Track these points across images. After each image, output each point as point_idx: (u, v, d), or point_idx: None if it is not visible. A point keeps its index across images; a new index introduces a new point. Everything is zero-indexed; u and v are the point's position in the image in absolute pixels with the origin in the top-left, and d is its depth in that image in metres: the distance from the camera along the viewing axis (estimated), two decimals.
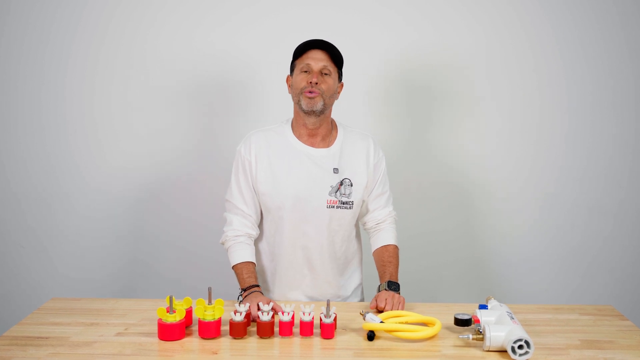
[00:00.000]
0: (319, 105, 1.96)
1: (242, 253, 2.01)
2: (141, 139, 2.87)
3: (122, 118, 2.86)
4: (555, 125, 2.85)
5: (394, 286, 1.97)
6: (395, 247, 2.11)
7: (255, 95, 2.83)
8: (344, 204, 2.03)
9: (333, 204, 2.02)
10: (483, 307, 1.75)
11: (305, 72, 1.98)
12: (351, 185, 2.04)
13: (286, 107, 2.22)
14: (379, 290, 1.98)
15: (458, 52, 2.80)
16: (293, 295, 2.09)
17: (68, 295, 2.59)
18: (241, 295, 1.94)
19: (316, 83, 1.95)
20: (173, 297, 1.69)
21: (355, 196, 2.05)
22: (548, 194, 2.88)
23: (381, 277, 2.05)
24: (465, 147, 2.87)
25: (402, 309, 1.87)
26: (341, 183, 2.02)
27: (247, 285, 1.94)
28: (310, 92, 1.95)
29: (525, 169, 2.87)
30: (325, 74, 1.99)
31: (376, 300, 1.89)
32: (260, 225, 2.12)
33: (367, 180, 2.08)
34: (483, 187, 2.89)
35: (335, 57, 2.00)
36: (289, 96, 2.09)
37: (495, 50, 2.81)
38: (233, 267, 2.02)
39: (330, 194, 2.02)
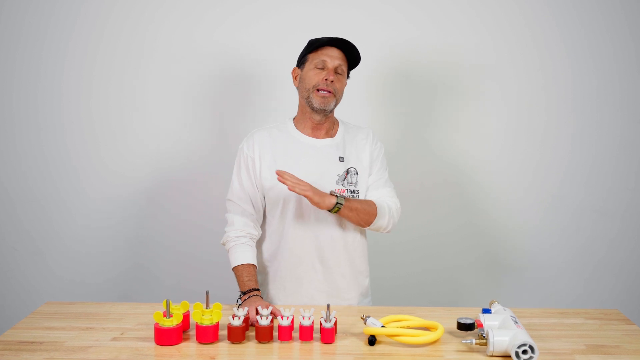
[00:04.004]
0: (331, 105, 1.99)
1: (244, 255, 1.99)
2: (140, 141, 2.86)
3: (120, 119, 2.84)
4: (560, 125, 2.83)
5: (337, 197, 1.90)
6: (373, 204, 2.00)
7: (259, 94, 2.82)
8: (351, 192, 2.03)
9: (341, 193, 2.02)
10: (486, 311, 1.75)
11: (320, 68, 1.98)
12: (357, 174, 2.05)
13: (291, 106, 2.20)
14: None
15: (461, 50, 2.79)
16: (305, 291, 2.05)
17: (63, 300, 2.55)
18: (240, 298, 1.92)
19: (332, 81, 1.96)
20: (170, 301, 1.68)
21: (361, 185, 2.06)
22: (553, 196, 2.86)
23: None
24: (468, 147, 2.86)
25: (303, 192, 1.82)
26: (347, 172, 2.03)
27: (246, 288, 1.92)
28: (324, 90, 1.96)
29: (530, 170, 2.86)
30: (339, 74, 2.00)
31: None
32: (264, 225, 2.09)
33: (370, 168, 2.10)
34: (487, 188, 2.87)
35: (352, 58, 2.02)
36: (295, 96, 2.08)
37: (499, 48, 2.80)
38: (233, 269, 2.00)
39: (337, 182, 2.02)
